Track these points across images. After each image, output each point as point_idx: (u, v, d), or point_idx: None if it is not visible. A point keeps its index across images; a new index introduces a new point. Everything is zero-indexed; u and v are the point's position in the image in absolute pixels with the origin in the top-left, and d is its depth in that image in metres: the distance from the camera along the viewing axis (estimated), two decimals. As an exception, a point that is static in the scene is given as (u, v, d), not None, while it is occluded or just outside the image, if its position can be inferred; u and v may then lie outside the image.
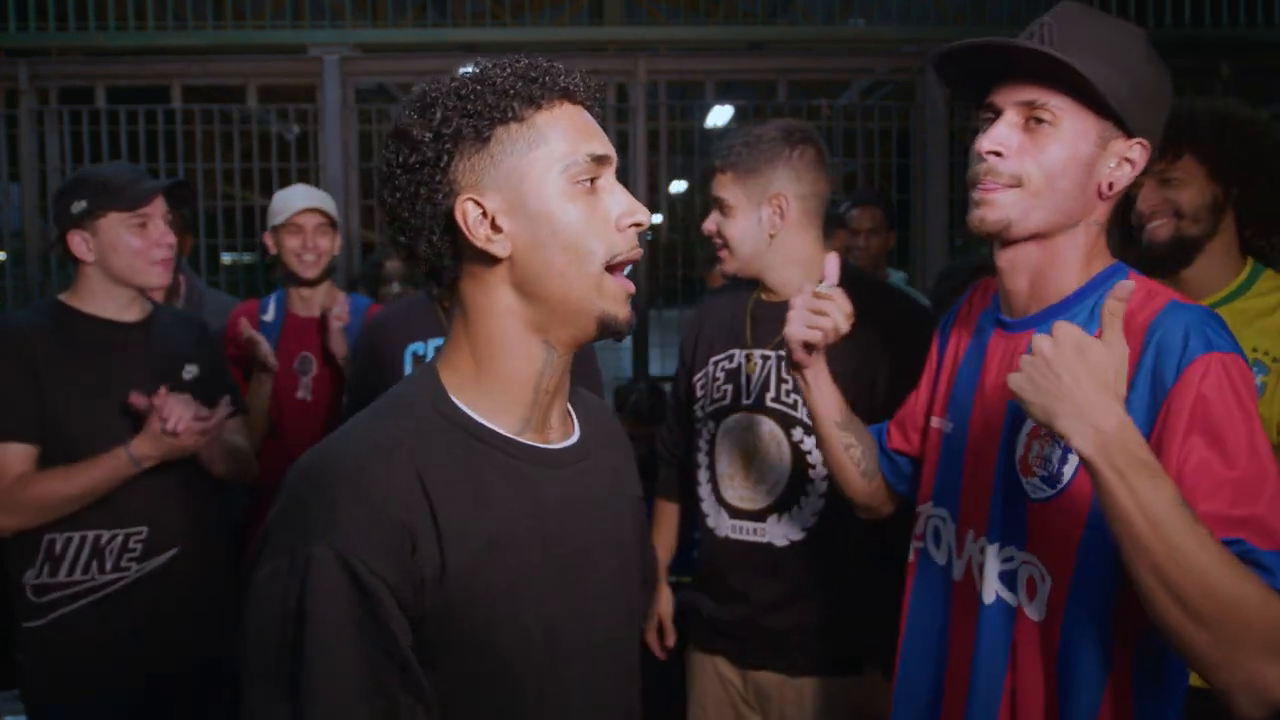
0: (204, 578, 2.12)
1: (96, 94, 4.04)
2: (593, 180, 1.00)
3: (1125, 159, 1.24)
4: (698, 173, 4.84)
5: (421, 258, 1.02)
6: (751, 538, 1.97)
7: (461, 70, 1.02)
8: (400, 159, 0.98)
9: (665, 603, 2.31)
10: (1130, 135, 1.23)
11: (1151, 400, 1.15)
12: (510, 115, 0.97)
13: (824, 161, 1.98)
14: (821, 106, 4.46)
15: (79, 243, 2.03)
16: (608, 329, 1.01)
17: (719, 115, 4.88)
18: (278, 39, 4.18)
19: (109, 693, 2.00)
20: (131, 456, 1.94)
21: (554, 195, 0.98)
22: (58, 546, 1.97)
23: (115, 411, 2.01)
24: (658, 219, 4.48)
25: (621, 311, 1.02)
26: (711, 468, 2.04)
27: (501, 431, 1.01)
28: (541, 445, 1.05)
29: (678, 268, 4.63)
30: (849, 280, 1.85)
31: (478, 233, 0.98)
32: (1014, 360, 1.30)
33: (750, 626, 2.00)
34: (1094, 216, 1.27)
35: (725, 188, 1.95)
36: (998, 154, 1.24)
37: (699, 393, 2.10)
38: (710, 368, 2.08)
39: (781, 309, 1.91)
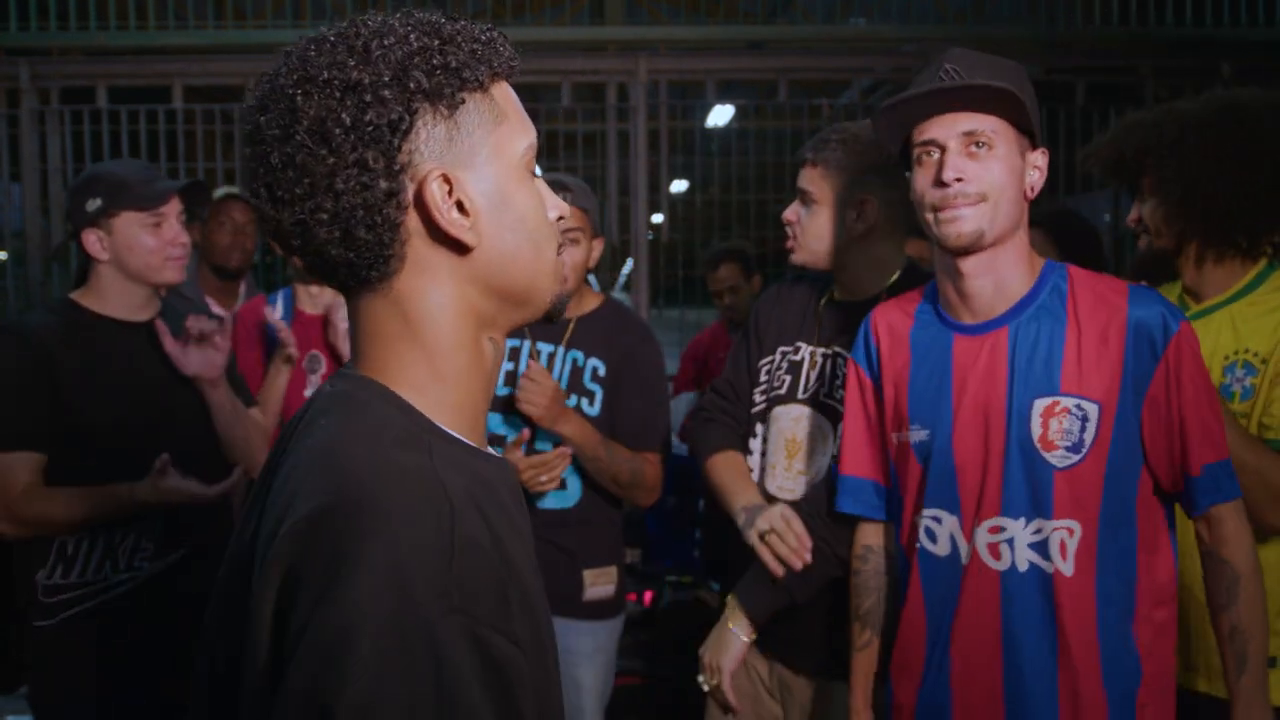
0: (213, 576, 2.13)
1: (97, 94, 4.05)
2: (533, 168, 0.91)
3: (1036, 166, 1.49)
4: (698, 172, 4.86)
5: (354, 245, 0.80)
6: None
7: (380, 18, 0.83)
8: (343, 116, 0.77)
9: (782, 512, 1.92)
10: (1035, 146, 1.49)
11: (1149, 357, 1.44)
12: (478, 82, 0.83)
13: None
14: (822, 106, 4.46)
15: (93, 241, 2.01)
16: (555, 312, 0.93)
17: (719, 115, 4.88)
18: (278, 39, 4.18)
19: (119, 693, 2.00)
20: (135, 499, 1.92)
21: (515, 179, 0.86)
22: (70, 547, 1.97)
23: (131, 412, 2.01)
24: (658, 219, 4.49)
25: (563, 289, 0.94)
26: (762, 454, 2.04)
27: (477, 444, 0.88)
28: (502, 458, 0.95)
29: (678, 268, 4.63)
30: (909, 286, 1.92)
31: (447, 216, 0.81)
32: (993, 358, 1.50)
33: (777, 617, 1.96)
34: (1024, 219, 1.50)
35: (813, 181, 1.93)
36: (960, 180, 1.43)
37: (762, 378, 2.09)
38: (777, 356, 2.07)
39: (852, 309, 1.96)
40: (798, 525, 1.80)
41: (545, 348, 2.32)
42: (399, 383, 0.84)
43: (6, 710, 2.85)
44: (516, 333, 1.94)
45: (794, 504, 1.94)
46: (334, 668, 0.66)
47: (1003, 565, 1.48)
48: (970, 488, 1.51)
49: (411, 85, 0.79)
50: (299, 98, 0.78)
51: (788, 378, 2.02)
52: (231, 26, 4.34)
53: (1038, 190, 1.50)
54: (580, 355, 2.33)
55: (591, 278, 2.74)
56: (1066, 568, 1.46)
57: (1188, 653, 1.87)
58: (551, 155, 4.75)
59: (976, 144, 1.43)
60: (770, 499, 1.95)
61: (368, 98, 0.78)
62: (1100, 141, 2.00)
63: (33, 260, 4.09)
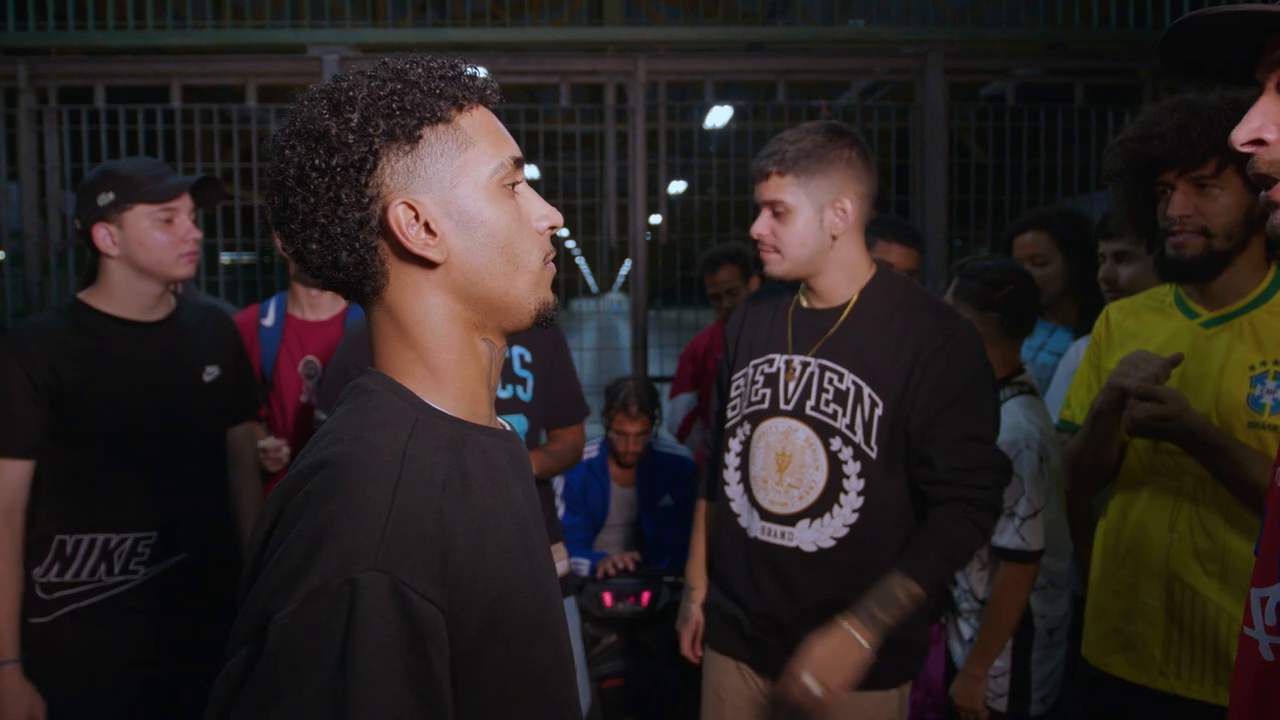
0: (211, 583, 2.12)
1: (96, 93, 4.04)
2: (513, 184, 0.99)
3: None
4: (697, 173, 4.86)
5: (342, 268, 0.95)
6: (779, 541, 1.96)
7: (353, 71, 0.97)
8: (316, 161, 0.92)
9: (699, 609, 2.19)
10: None
11: None
12: (438, 116, 0.95)
13: (872, 162, 1.98)
14: (821, 107, 4.46)
15: (104, 236, 2.00)
16: (543, 317, 1.02)
17: (718, 116, 4.88)
18: (277, 39, 4.18)
19: (112, 691, 2.01)
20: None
21: (486, 199, 0.96)
22: (68, 547, 1.98)
23: (141, 416, 2.01)
24: (656, 220, 4.49)
25: (551, 297, 1.03)
26: (745, 468, 2.04)
27: (484, 424, 1.01)
28: (506, 432, 1.06)
29: (677, 268, 4.63)
30: (883, 292, 1.97)
31: (413, 237, 0.94)
32: None
33: (769, 630, 1.99)
34: None
35: (784, 190, 1.90)
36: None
37: (734, 392, 2.09)
38: (750, 369, 2.07)
39: (824, 316, 1.98)
40: (686, 640, 2.14)
41: None
42: (402, 376, 0.98)
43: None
44: (774, 348, 2.05)
45: (795, 515, 1.95)
46: (283, 588, 0.82)
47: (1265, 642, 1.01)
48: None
49: (370, 129, 0.92)
50: (287, 150, 0.94)
51: (766, 390, 2.01)
52: (231, 26, 4.33)
53: None
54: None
55: None
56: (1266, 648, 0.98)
57: (1109, 636, 1.88)
58: (550, 156, 4.75)
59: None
60: (763, 512, 1.98)
61: (334, 144, 0.92)
62: (1139, 134, 1.79)
63: (30, 260, 4.08)
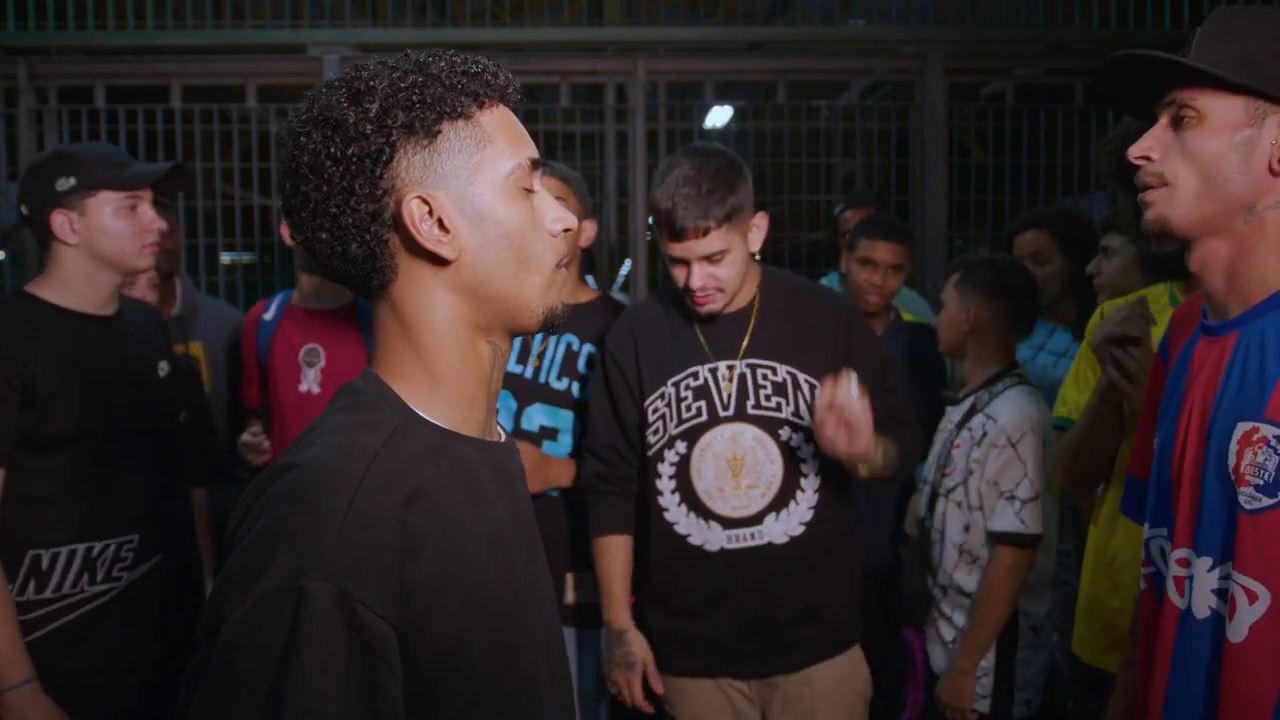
0: (185, 582, 2.10)
1: (96, 93, 4.04)
2: (529, 186, 0.98)
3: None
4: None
5: (351, 259, 0.93)
6: (751, 543, 1.99)
7: (375, 61, 0.95)
8: (332, 150, 0.90)
9: (643, 646, 2.10)
10: None
11: None
12: (459, 112, 0.93)
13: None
14: (821, 107, 4.47)
15: (62, 223, 1.89)
16: (551, 323, 1.01)
17: (718, 116, 4.89)
18: (278, 39, 4.18)
19: (100, 705, 1.92)
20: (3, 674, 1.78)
21: (501, 198, 0.95)
22: (44, 562, 1.86)
23: (103, 416, 1.92)
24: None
25: (560, 303, 1.01)
26: (685, 487, 2.02)
27: (472, 435, 0.99)
28: (498, 443, 1.04)
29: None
30: (777, 287, 2.11)
31: (426, 232, 0.92)
32: (1215, 365, 1.28)
33: (752, 634, 2.00)
34: (1277, 197, 1.23)
35: (719, 240, 1.92)
36: (1145, 159, 1.28)
37: (653, 416, 2.06)
38: (670, 388, 2.06)
39: (733, 320, 2.03)
40: (636, 686, 2.05)
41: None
42: (396, 377, 0.96)
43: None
44: (692, 361, 2.07)
45: (760, 513, 1.99)
46: (237, 587, 0.82)
47: (1182, 604, 1.28)
48: (1181, 507, 1.30)
49: (389, 121, 0.90)
50: (302, 137, 0.92)
51: (700, 403, 2.02)
52: (231, 26, 4.33)
53: None
54: (575, 340, 2.34)
55: (590, 278, 2.74)
56: (1235, 632, 1.19)
57: (1104, 633, 1.90)
58: (550, 156, 4.75)
59: (1180, 117, 1.25)
60: (725, 521, 2.00)
61: (352, 133, 0.90)
62: (1121, 135, 1.87)
63: (30, 260, 4.08)
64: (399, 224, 0.92)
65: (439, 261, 0.94)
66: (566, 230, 1.01)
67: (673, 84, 4.34)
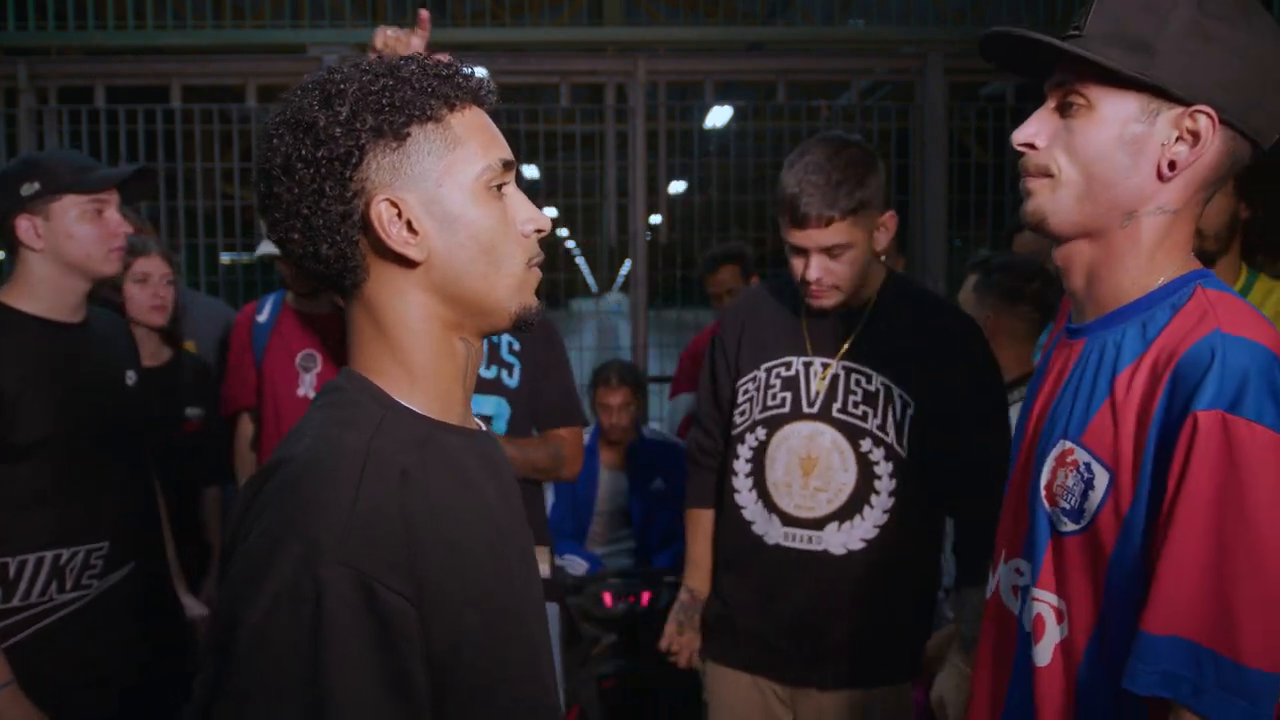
0: (157, 589, 2.07)
1: (96, 93, 4.04)
2: (500, 186, 0.98)
3: (1191, 131, 1.11)
4: (697, 173, 4.86)
5: (322, 260, 0.94)
6: (806, 546, 1.94)
7: (349, 63, 0.96)
8: (303, 152, 0.91)
9: (700, 625, 2.14)
10: (1188, 104, 1.10)
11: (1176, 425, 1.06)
12: (428, 114, 0.94)
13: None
14: (821, 107, 4.47)
15: (27, 228, 1.87)
16: (523, 321, 1.01)
17: (718, 116, 4.88)
18: (277, 39, 4.18)
19: (75, 715, 1.89)
20: None
21: (471, 199, 0.95)
22: (11, 570, 1.82)
23: (71, 423, 1.90)
24: (656, 220, 4.49)
25: (534, 302, 1.01)
26: (758, 474, 2.00)
27: (455, 423, 1.00)
28: (481, 432, 1.05)
29: (677, 268, 4.63)
30: (899, 294, 2.00)
31: (394, 235, 0.93)
32: (1059, 373, 1.22)
33: (797, 638, 1.97)
34: (1159, 203, 1.14)
35: (842, 233, 1.84)
36: (1029, 146, 1.20)
37: (742, 397, 2.05)
38: (762, 373, 2.03)
39: (843, 319, 1.97)
40: (686, 652, 2.11)
41: None
42: (375, 374, 0.98)
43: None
44: (790, 351, 2.02)
45: (822, 519, 1.94)
46: (249, 588, 0.81)
47: (1017, 610, 1.23)
48: (1009, 517, 1.29)
49: (358, 124, 0.91)
50: (275, 138, 0.93)
51: (786, 394, 1.99)
52: (231, 26, 4.34)
53: (1183, 165, 1.11)
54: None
55: None
56: (1040, 655, 1.15)
57: None
58: (550, 156, 4.75)
59: (1068, 103, 1.17)
60: (785, 518, 1.96)
61: (322, 136, 0.91)
62: None
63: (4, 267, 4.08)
64: (368, 226, 0.93)
65: (408, 263, 0.94)
66: (539, 231, 1.00)
67: (673, 84, 4.34)
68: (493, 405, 2.33)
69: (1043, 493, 1.16)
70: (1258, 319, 1.09)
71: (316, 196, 0.92)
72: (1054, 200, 1.16)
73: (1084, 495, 1.11)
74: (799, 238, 1.86)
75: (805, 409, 1.96)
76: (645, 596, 3.15)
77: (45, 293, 1.91)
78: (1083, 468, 1.12)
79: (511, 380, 2.35)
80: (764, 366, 2.03)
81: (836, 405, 1.94)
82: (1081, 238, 1.18)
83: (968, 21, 4.58)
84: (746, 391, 2.05)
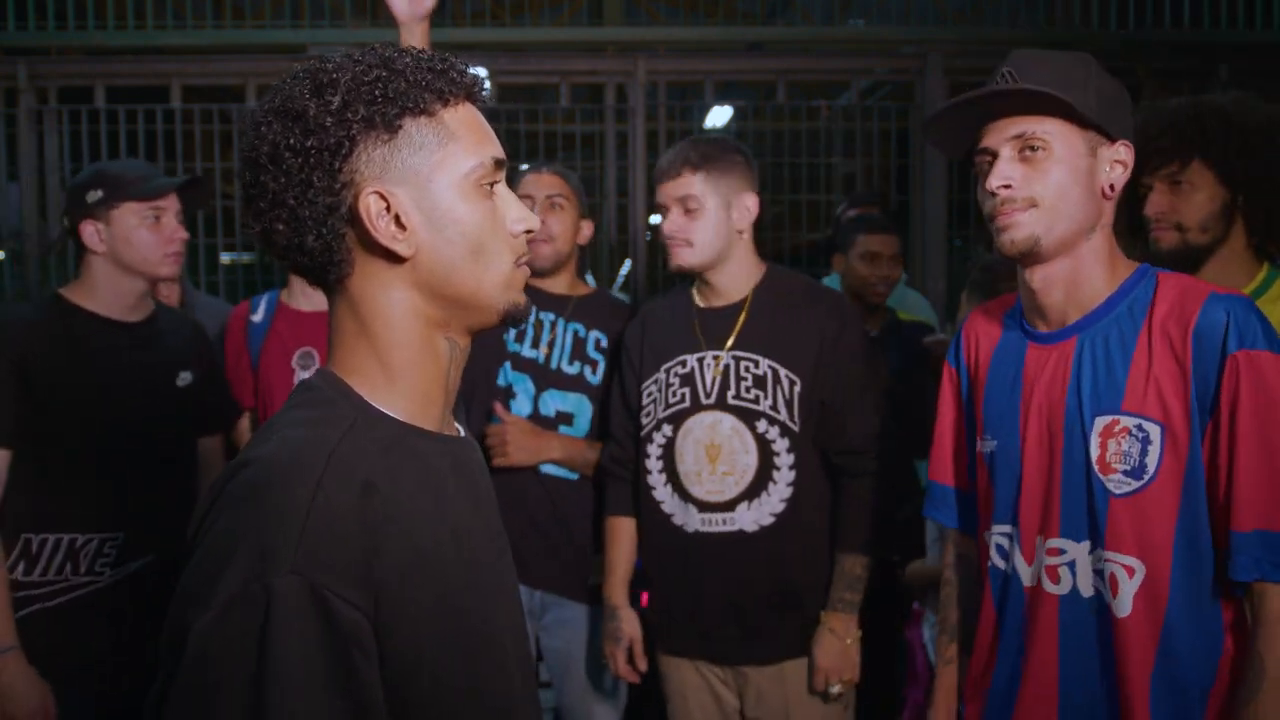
0: (173, 586, 2.11)
1: (96, 93, 4.04)
2: (492, 184, 0.97)
3: (1116, 160, 1.42)
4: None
5: (307, 252, 0.92)
6: (723, 528, 2.06)
7: (349, 54, 0.94)
8: (291, 141, 0.89)
9: (633, 624, 2.21)
10: (1112, 140, 1.41)
11: (1214, 374, 1.32)
12: (421, 108, 0.92)
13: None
14: (821, 107, 4.47)
15: (91, 233, 2.03)
16: (512, 319, 0.99)
17: (718, 116, 4.88)
18: (278, 39, 4.18)
19: (77, 691, 2.00)
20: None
21: (461, 196, 0.94)
22: (34, 546, 1.97)
23: (108, 414, 2.01)
24: (657, 219, 4.48)
25: (523, 299, 1.00)
26: (670, 468, 2.11)
27: (430, 429, 0.98)
28: (458, 438, 1.03)
29: (676, 268, 4.62)
30: (778, 284, 2.15)
31: (382, 228, 0.91)
32: (1057, 370, 1.43)
33: (724, 618, 2.07)
34: (1104, 220, 1.43)
35: (694, 185, 2.04)
36: (1006, 186, 1.39)
37: (646, 399, 2.17)
38: (662, 374, 2.15)
39: (726, 312, 2.11)
40: (620, 659, 2.16)
41: (547, 316, 2.41)
42: (351, 372, 0.96)
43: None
44: (685, 349, 2.14)
45: (733, 500, 2.04)
46: (197, 599, 0.80)
47: (1061, 589, 1.41)
48: (1031, 505, 1.45)
49: (349, 114, 0.89)
50: (263, 127, 0.91)
51: (685, 389, 2.11)
52: (231, 26, 4.33)
53: (1119, 186, 1.42)
54: (581, 328, 2.41)
55: (589, 276, 2.76)
56: (1120, 608, 1.35)
57: None
58: (550, 156, 4.75)
59: (1029, 148, 1.38)
60: (700, 504, 2.07)
61: (311, 125, 0.89)
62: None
63: (30, 260, 4.08)
64: (355, 219, 0.91)
65: (395, 258, 0.93)
66: (529, 231, 0.99)
67: (673, 84, 4.34)
68: (574, 403, 2.37)
69: (1095, 467, 1.36)
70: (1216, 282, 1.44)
71: (304, 187, 0.90)
72: (1044, 224, 1.38)
73: (1143, 452, 1.33)
74: (659, 195, 2.09)
75: (704, 400, 2.09)
76: (644, 597, 3.14)
77: (105, 292, 2.06)
78: (1135, 430, 1.34)
79: (595, 377, 2.37)
80: (664, 368, 2.15)
81: (731, 393, 2.07)
82: (1063, 255, 1.41)
83: (968, 21, 4.58)
84: (650, 394, 2.17)
